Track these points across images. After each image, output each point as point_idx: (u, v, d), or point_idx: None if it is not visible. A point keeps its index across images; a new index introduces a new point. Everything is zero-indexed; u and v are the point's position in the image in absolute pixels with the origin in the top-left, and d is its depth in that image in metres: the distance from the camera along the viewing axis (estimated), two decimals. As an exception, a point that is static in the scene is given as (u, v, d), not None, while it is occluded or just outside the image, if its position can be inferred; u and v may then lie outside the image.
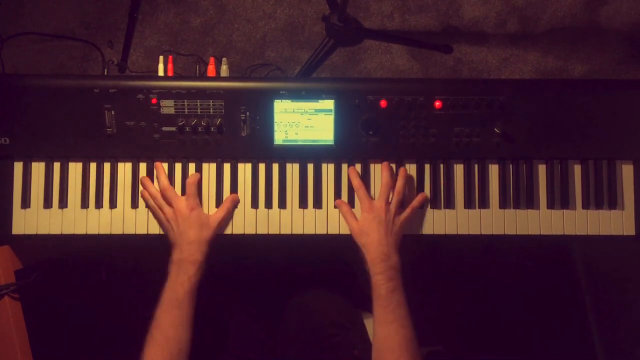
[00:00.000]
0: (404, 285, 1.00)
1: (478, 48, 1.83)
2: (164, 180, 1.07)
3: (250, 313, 1.21)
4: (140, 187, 1.09)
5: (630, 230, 1.11)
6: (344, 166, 1.11)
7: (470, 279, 1.74)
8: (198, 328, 1.16)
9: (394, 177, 1.08)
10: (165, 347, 0.93)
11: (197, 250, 1.01)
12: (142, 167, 1.10)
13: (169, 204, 1.05)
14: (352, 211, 1.08)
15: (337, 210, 1.10)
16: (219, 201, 1.10)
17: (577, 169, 1.12)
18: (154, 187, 1.08)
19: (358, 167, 1.11)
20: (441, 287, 1.74)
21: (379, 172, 1.11)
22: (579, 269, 1.72)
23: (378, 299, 0.98)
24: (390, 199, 1.06)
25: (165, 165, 1.10)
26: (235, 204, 1.09)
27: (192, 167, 1.10)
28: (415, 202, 1.08)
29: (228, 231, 1.10)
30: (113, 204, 1.09)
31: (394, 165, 1.11)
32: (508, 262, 1.74)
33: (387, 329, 0.96)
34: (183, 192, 1.09)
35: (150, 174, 1.10)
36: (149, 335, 0.94)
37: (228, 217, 1.09)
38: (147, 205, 1.09)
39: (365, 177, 1.11)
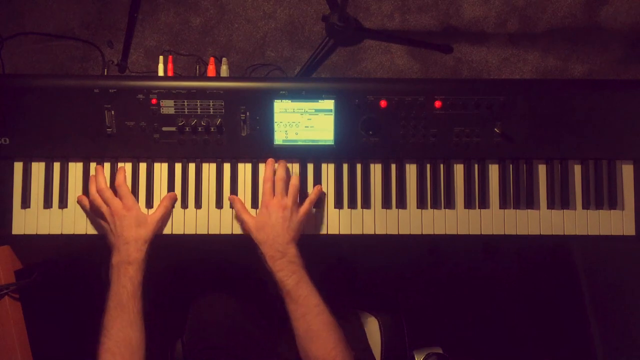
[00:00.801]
0: (309, 273, 0.99)
1: (478, 48, 1.83)
2: (102, 181, 1.06)
3: (250, 313, 1.21)
4: (144, 187, 1.09)
5: (630, 230, 1.11)
6: (344, 166, 1.11)
7: (470, 279, 1.74)
8: (198, 328, 1.17)
9: (288, 172, 1.08)
10: (117, 353, 0.92)
11: (135, 249, 1.00)
12: (142, 167, 1.10)
13: (107, 204, 1.05)
14: (245, 207, 1.08)
15: (337, 210, 1.10)
16: (219, 201, 1.10)
17: (577, 169, 1.12)
18: (93, 188, 1.06)
19: (358, 167, 1.11)
20: (441, 287, 1.74)
21: (379, 172, 1.11)
22: (579, 269, 1.72)
23: (287, 295, 0.98)
24: (287, 194, 1.06)
25: (165, 166, 1.10)
26: (173, 202, 1.09)
27: (192, 167, 1.11)
28: (313, 195, 1.08)
29: (228, 231, 1.10)
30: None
31: (393, 166, 1.11)
32: (508, 262, 1.74)
33: (303, 321, 0.96)
34: (184, 194, 1.09)
35: (150, 174, 1.10)
36: (99, 346, 0.93)
37: (167, 216, 1.08)
38: (83, 208, 1.08)
39: (365, 177, 1.11)
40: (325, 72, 1.79)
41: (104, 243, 1.06)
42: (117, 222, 1.03)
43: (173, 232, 1.09)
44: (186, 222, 1.10)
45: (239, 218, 1.08)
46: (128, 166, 1.10)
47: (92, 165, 1.10)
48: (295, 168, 1.11)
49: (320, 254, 1.41)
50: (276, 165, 1.09)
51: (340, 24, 1.66)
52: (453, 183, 1.11)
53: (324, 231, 1.10)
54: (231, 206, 1.10)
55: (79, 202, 1.09)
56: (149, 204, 1.09)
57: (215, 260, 1.52)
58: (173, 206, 1.10)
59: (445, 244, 1.05)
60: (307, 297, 0.97)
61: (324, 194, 1.10)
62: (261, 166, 1.11)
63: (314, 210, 1.09)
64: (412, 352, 1.18)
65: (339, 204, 1.10)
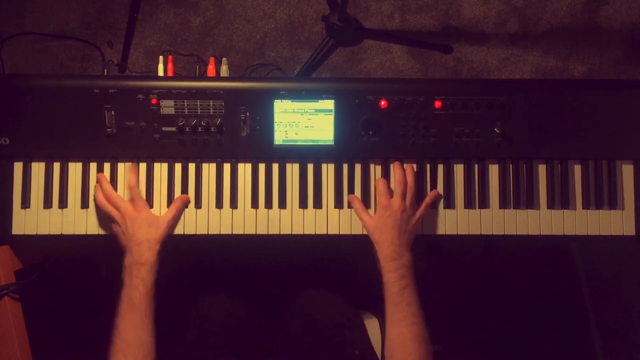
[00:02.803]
0: (416, 283, 0.99)
1: (478, 48, 1.83)
2: (107, 187, 1.06)
3: (251, 313, 1.21)
4: (143, 187, 1.09)
5: (630, 230, 1.11)
6: (344, 166, 1.11)
7: (470, 279, 1.74)
8: (198, 329, 1.17)
9: (405, 173, 1.08)
10: (129, 354, 0.92)
11: (146, 250, 1.00)
12: (142, 167, 1.10)
13: (117, 207, 1.05)
14: (364, 207, 1.08)
15: (337, 210, 1.10)
16: (219, 202, 1.10)
17: (577, 169, 1.12)
18: (101, 194, 1.06)
19: (358, 167, 1.11)
20: (441, 287, 1.74)
21: (379, 172, 1.11)
22: (579, 269, 1.72)
23: (390, 297, 0.98)
24: (405, 196, 1.05)
25: (165, 166, 1.10)
26: (185, 203, 1.09)
27: (192, 167, 1.10)
28: (429, 199, 1.08)
29: (228, 231, 1.10)
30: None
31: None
32: (508, 262, 1.74)
33: (398, 327, 0.96)
34: (185, 191, 1.09)
35: (150, 174, 1.10)
36: (111, 346, 0.94)
37: (178, 217, 1.08)
38: (97, 213, 1.08)
39: (365, 178, 1.11)
40: (325, 72, 1.79)
41: (105, 243, 1.06)
42: (129, 224, 1.03)
43: (173, 232, 1.09)
44: (186, 222, 1.10)
45: (358, 217, 1.08)
46: (128, 166, 1.10)
47: (92, 165, 1.10)
48: (295, 168, 1.11)
49: (321, 253, 1.41)
50: (392, 166, 1.09)
51: (340, 24, 1.66)
52: (453, 183, 1.11)
53: (324, 231, 1.10)
54: (347, 206, 1.09)
55: (96, 202, 1.08)
56: (149, 204, 1.09)
57: (215, 260, 1.53)
58: (185, 208, 1.09)
59: (445, 244, 1.05)
60: (408, 305, 0.97)
61: (441, 196, 1.10)
62: (261, 166, 1.11)
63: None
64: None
65: (339, 204, 1.10)
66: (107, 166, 1.10)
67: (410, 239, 1.04)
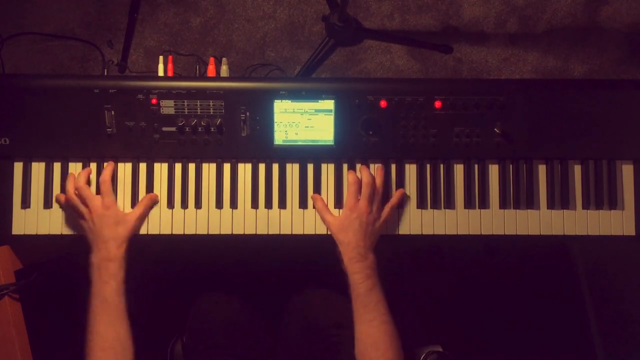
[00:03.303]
0: (382, 282, 1.00)
1: (478, 48, 1.83)
2: (81, 179, 1.05)
3: (250, 313, 1.21)
4: (144, 188, 1.09)
5: (630, 230, 1.11)
6: (344, 166, 1.11)
7: (470, 279, 1.74)
8: (198, 328, 1.17)
9: (373, 177, 1.08)
10: (108, 348, 0.92)
11: (114, 247, 1.00)
12: (142, 167, 1.10)
13: (84, 203, 1.04)
14: (327, 207, 1.08)
15: (337, 210, 1.10)
16: (219, 202, 1.10)
17: (577, 169, 1.12)
18: (71, 185, 1.05)
19: (358, 166, 1.11)
20: (441, 287, 1.74)
21: (379, 172, 1.11)
22: (579, 269, 1.72)
23: (357, 298, 0.98)
24: (371, 199, 1.05)
25: (165, 166, 1.10)
26: (153, 201, 1.09)
27: (192, 167, 1.10)
28: (395, 199, 1.08)
29: (228, 231, 1.10)
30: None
31: (393, 166, 1.11)
32: (508, 262, 1.74)
33: (368, 327, 0.96)
34: (184, 195, 1.09)
35: (150, 174, 1.10)
36: (87, 345, 0.93)
37: (145, 215, 1.08)
38: (62, 207, 1.08)
39: (365, 177, 1.11)
40: (325, 72, 1.79)
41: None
42: (96, 221, 1.02)
43: (173, 232, 1.09)
44: (186, 222, 1.10)
45: (320, 217, 1.08)
46: (128, 166, 1.10)
47: (92, 165, 1.10)
48: (295, 168, 1.11)
49: (321, 254, 1.41)
50: (358, 168, 1.09)
51: (340, 24, 1.66)
52: (453, 183, 1.11)
53: (324, 231, 1.10)
54: (314, 206, 1.09)
55: (57, 200, 1.08)
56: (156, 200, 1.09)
57: (215, 260, 1.52)
58: (152, 206, 1.09)
59: (445, 244, 1.05)
60: (376, 304, 0.97)
61: (407, 196, 1.10)
62: (261, 166, 1.11)
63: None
64: (412, 350, 1.18)
65: (338, 204, 1.10)
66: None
67: (374, 240, 1.04)
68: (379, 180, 1.07)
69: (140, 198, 1.09)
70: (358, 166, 1.11)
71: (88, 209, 1.03)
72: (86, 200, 1.03)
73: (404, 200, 1.10)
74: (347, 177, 1.09)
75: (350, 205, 1.05)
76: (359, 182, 1.07)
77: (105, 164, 1.08)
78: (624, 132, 1.10)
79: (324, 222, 1.08)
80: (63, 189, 1.09)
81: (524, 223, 1.11)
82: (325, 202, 1.10)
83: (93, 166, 1.10)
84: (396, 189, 1.10)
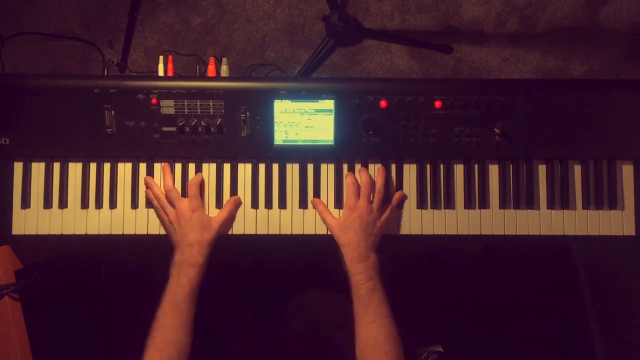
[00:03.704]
0: (384, 282, 1.00)
1: (478, 48, 1.83)
2: (169, 181, 1.07)
3: (251, 313, 1.21)
4: (144, 187, 1.09)
5: (630, 230, 1.11)
6: (344, 166, 1.11)
7: (470, 279, 1.74)
8: (198, 328, 1.17)
9: (371, 177, 1.08)
10: (165, 350, 0.93)
11: (198, 252, 1.01)
12: (142, 167, 1.10)
13: (172, 205, 1.05)
14: (327, 209, 1.08)
15: (337, 210, 1.10)
16: (219, 201, 1.10)
17: (577, 169, 1.12)
18: (159, 188, 1.08)
19: (358, 167, 1.11)
20: (441, 287, 1.74)
21: (380, 173, 1.11)
22: (579, 269, 1.72)
23: (358, 299, 0.98)
24: (371, 199, 1.06)
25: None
26: (237, 205, 1.09)
27: (192, 167, 1.10)
28: (394, 201, 1.08)
29: (228, 231, 1.10)
30: (113, 204, 1.09)
31: (393, 165, 1.11)
32: (508, 262, 1.74)
33: (369, 328, 0.96)
34: (184, 193, 1.09)
35: (150, 174, 1.10)
36: (149, 338, 0.94)
37: (230, 219, 1.09)
38: (152, 206, 1.09)
39: (365, 177, 1.10)
40: (325, 72, 1.79)
41: (103, 243, 1.05)
42: (182, 223, 1.03)
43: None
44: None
45: (322, 219, 1.08)
46: (128, 166, 1.10)
47: (92, 165, 1.10)
48: (295, 168, 1.11)
49: (321, 254, 1.41)
50: (357, 170, 1.09)
51: (340, 24, 1.66)
52: (453, 183, 1.11)
53: (324, 231, 1.10)
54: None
55: (148, 196, 1.08)
56: (149, 204, 1.09)
57: (215, 260, 1.52)
58: (237, 210, 1.09)
59: (445, 244, 1.05)
60: (378, 306, 0.97)
61: (406, 196, 1.10)
62: (261, 166, 1.11)
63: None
64: (413, 350, 1.18)
65: (338, 204, 1.10)
66: (107, 166, 1.10)
67: (376, 240, 1.04)
68: (379, 181, 1.07)
69: (140, 198, 1.09)
70: (357, 167, 1.11)
71: (175, 210, 1.04)
72: (174, 202, 1.05)
73: (403, 201, 1.10)
74: (345, 179, 1.09)
75: (350, 205, 1.05)
76: (357, 183, 1.07)
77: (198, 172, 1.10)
78: (624, 132, 1.10)
79: (325, 224, 1.08)
80: (63, 189, 1.09)
81: (524, 223, 1.11)
82: (325, 202, 1.10)
83: (93, 166, 1.10)
84: (396, 189, 1.10)
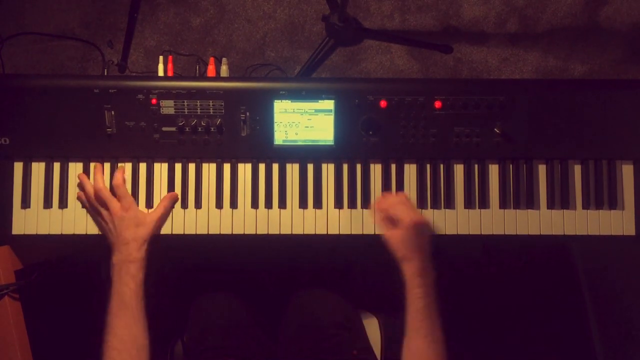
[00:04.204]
0: (439, 302, 0.99)
1: (478, 48, 1.83)
2: (99, 180, 1.06)
3: (250, 313, 1.21)
4: (77, 189, 1.09)
5: (630, 230, 1.11)
6: (344, 166, 1.11)
7: (470, 278, 1.74)
8: (199, 329, 1.17)
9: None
10: (124, 350, 0.93)
11: (134, 249, 1.00)
12: (142, 167, 1.10)
13: (104, 205, 1.05)
14: (387, 219, 1.05)
15: (337, 210, 1.10)
16: (219, 202, 1.10)
17: (577, 169, 1.12)
18: (90, 187, 1.06)
19: (358, 167, 1.11)
20: (441, 287, 1.73)
21: (379, 172, 1.11)
22: (579, 269, 1.72)
23: (416, 311, 0.97)
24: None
25: (165, 166, 1.10)
26: (173, 201, 1.09)
27: (192, 167, 1.10)
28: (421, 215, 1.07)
29: (228, 231, 1.10)
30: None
31: (393, 165, 1.11)
32: (508, 262, 1.74)
33: (422, 342, 0.95)
34: (184, 195, 1.09)
35: (150, 173, 1.10)
36: (104, 344, 0.93)
37: (165, 215, 1.08)
38: (83, 207, 1.09)
39: (365, 178, 1.11)
40: (325, 72, 1.79)
41: (104, 242, 1.06)
42: (117, 223, 1.03)
43: (173, 232, 1.09)
44: (186, 222, 1.10)
45: (380, 226, 1.06)
46: (128, 166, 1.10)
47: (92, 165, 1.10)
48: (295, 168, 1.11)
49: (321, 253, 1.41)
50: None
51: (340, 24, 1.66)
52: (453, 183, 1.11)
53: (324, 231, 1.10)
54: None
55: (79, 199, 1.09)
56: (149, 204, 1.09)
57: (216, 260, 1.53)
58: (173, 206, 1.10)
59: (445, 244, 1.05)
60: (433, 322, 0.96)
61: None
62: (261, 166, 1.11)
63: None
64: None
65: (339, 204, 1.10)
66: (107, 166, 1.10)
67: (430, 250, 1.02)
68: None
69: (140, 198, 1.09)
70: (359, 168, 1.10)
71: (109, 211, 1.04)
72: (106, 203, 1.04)
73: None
74: (397, 195, 1.08)
75: (414, 219, 1.01)
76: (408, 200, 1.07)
77: (117, 169, 1.09)
78: (624, 132, 1.10)
79: (385, 233, 1.04)
80: (63, 189, 1.09)
81: (524, 223, 1.11)
82: (325, 202, 1.10)
83: (93, 166, 1.09)
84: (396, 189, 1.10)
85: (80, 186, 1.09)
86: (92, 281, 1.56)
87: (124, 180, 1.08)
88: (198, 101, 1.08)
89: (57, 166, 1.10)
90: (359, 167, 1.11)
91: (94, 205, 1.06)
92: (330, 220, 1.10)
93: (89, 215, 1.09)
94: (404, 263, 1.00)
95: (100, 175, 1.07)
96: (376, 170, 1.11)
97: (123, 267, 0.99)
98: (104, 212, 1.04)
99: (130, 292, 0.97)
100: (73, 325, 1.47)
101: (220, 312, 1.18)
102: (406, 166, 1.12)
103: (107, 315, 0.96)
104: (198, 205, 1.10)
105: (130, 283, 0.98)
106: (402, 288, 1.00)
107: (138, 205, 1.08)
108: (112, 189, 1.07)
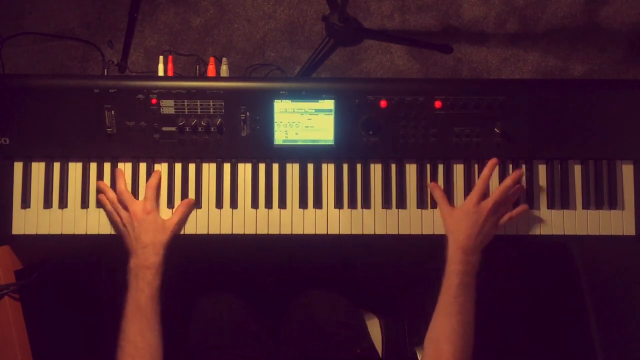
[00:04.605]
0: (476, 287, 0.98)
1: (478, 48, 1.83)
2: (121, 184, 1.07)
3: (251, 313, 1.21)
4: (146, 189, 1.09)
5: (630, 230, 1.11)
6: (344, 166, 1.11)
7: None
8: (199, 329, 1.17)
9: (512, 183, 1.06)
10: (137, 357, 0.93)
11: (152, 254, 1.00)
12: (142, 167, 1.10)
13: (125, 207, 1.05)
14: (445, 197, 1.08)
15: (337, 210, 1.10)
16: (219, 202, 1.10)
17: (577, 169, 1.12)
18: (112, 192, 1.07)
19: (358, 167, 1.11)
20: (441, 287, 1.73)
21: (379, 172, 1.11)
22: (579, 269, 1.72)
23: (450, 288, 0.97)
24: (496, 199, 1.04)
25: (165, 166, 1.10)
26: (190, 207, 1.09)
27: (192, 167, 1.11)
28: (515, 212, 1.07)
29: (228, 231, 1.10)
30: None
31: (393, 165, 1.12)
32: (508, 262, 1.74)
33: (451, 319, 0.94)
34: (184, 195, 1.09)
35: (149, 174, 1.10)
36: (118, 349, 0.94)
37: (184, 221, 1.08)
38: (105, 210, 1.08)
39: (365, 178, 1.11)
40: (325, 72, 1.79)
41: (103, 243, 1.06)
42: (136, 225, 1.03)
43: (180, 233, 1.09)
44: (186, 222, 1.10)
45: (438, 205, 1.08)
46: (128, 166, 1.10)
47: (92, 165, 1.10)
48: (295, 168, 1.11)
49: (321, 253, 1.41)
50: (511, 169, 1.09)
51: (340, 24, 1.66)
52: (453, 183, 1.11)
53: (324, 231, 1.10)
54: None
55: (101, 200, 1.08)
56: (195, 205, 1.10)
57: (216, 260, 1.52)
58: (190, 211, 1.09)
59: (446, 243, 1.05)
60: (466, 302, 0.96)
61: (527, 210, 1.09)
62: (261, 166, 1.11)
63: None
64: (413, 349, 1.18)
65: (339, 204, 1.10)
66: (107, 166, 1.10)
67: (485, 242, 1.03)
68: (509, 181, 1.05)
69: (140, 198, 1.09)
70: (359, 167, 1.11)
71: (129, 213, 1.04)
72: (127, 205, 1.04)
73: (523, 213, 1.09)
74: (483, 173, 1.06)
75: (474, 201, 1.04)
76: (485, 188, 1.06)
77: (154, 172, 1.09)
78: (624, 132, 1.10)
79: (440, 210, 1.07)
80: (63, 189, 1.09)
81: (524, 223, 1.11)
82: (325, 202, 1.10)
83: (93, 166, 1.10)
84: (396, 189, 1.10)
85: (99, 190, 1.08)
86: (92, 281, 1.56)
87: (157, 185, 1.08)
88: (198, 101, 1.08)
89: (57, 166, 1.10)
90: (359, 167, 1.11)
91: (116, 207, 1.06)
92: (330, 220, 1.10)
93: (89, 215, 1.09)
94: (450, 236, 1.01)
95: (123, 180, 1.08)
96: (376, 170, 1.11)
97: (139, 272, 0.99)
98: (124, 214, 1.04)
99: (146, 298, 0.97)
100: (73, 325, 1.47)
101: (221, 312, 1.18)
102: (406, 166, 1.12)
103: (122, 321, 0.96)
104: (198, 205, 1.10)
105: (146, 289, 0.97)
106: (442, 264, 1.00)
107: (158, 210, 1.08)
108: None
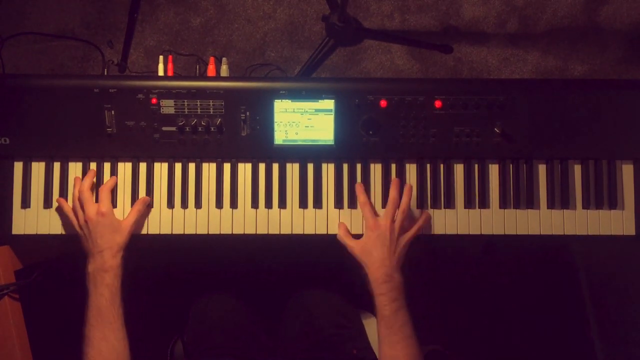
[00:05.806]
0: (408, 304, 0.98)
1: (478, 48, 1.83)
2: (85, 182, 1.04)
3: (250, 313, 1.21)
4: (145, 190, 1.09)
5: (630, 230, 1.11)
6: (344, 166, 1.11)
7: (470, 278, 1.74)
8: (199, 328, 1.17)
9: (400, 193, 1.06)
10: None
11: (110, 257, 0.98)
12: (142, 167, 1.10)
13: (82, 208, 1.03)
14: (348, 232, 1.07)
15: (337, 210, 1.10)
16: (219, 201, 1.10)
17: (577, 169, 1.12)
18: (76, 189, 1.05)
19: (358, 167, 1.11)
20: (441, 287, 1.74)
21: (379, 172, 1.11)
22: (579, 269, 1.72)
23: (382, 320, 0.96)
24: (395, 217, 1.03)
25: (165, 166, 1.10)
26: (145, 205, 1.08)
27: (192, 167, 1.10)
28: (421, 221, 1.06)
29: (228, 231, 1.10)
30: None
31: (393, 165, 1.11)
32: (508, 262, 1.74)
33: (393, 349, 0.95)
34: (185, 195, 1.09)
35: (150, 173, 1.10)
36: (83, 356, 0.93)
37: (140, 219, 1.07)
38: (63, 210, 1.06)
39: (365, 177, 1.11)
40: (325, 72, 1.79)
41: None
42: (91, 228, 1.01)
43: (173, 232, 1.09)
44: (186, 222, 1.10)
45: (343, 244, 1.06)
46: (128, 166, 1.10)
47: (92, 165, 1.10)
48: (295, 168, 1.11)
49: (321, 253, 1.41)
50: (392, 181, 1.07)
51: (340, 24, 1.66)
52: (453, 183, 1.11)
53: (324, 231, 1.10)
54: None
55: (58, 202, 1.07)
56: (149, 204, 1.09)
57: (216, 260, 1.53)
58: (146, 210, 1.08)
59: (445, 244, 1.05)
60: (403, 326, 0.96)
61: (430, 217, 1.09)
62: (261, 166, 1.11)
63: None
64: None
65: (339, 204, 1.10)
66: (107, 166, 1.10)
67: (400, 260, 1.01)
68: (405, 200, 1.04)
69: (140, 198, 1.09)
70: (358, 167, 1.10)
71: (85, 213, 1.02)
72: (84, 205, 1.02)
73: (429, 220, 1.09)
74: (358, 197, 1.07)
75: (370, 225, 1.02)
76: (370, 203, 1.06)
77: (110, 177, 1.08)
78: (624, 132, 1.10)
79: (347, 248, 1.05)
80: (63, 189, 1.09)
81: (524, 223, 1.11)
82: (326, 202, 1.10)
83: (93, 165, 1.10)
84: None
85: (74, 185, 1.07)
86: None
87: (111, 188, 1.06)
88: (198, 101, 1.08)
89: (57, 166, 1.10)
90: (359, 167, 1.11)
91: (75, 206, 1.04)
92: (330, 220, 1.10)
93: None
94: (367, 270, 1.00)
95: (90, 178, 1.06)
96: (376, 170, 1.11)
97: (98, 276, 0.97)
98: (81, 215, 1.02)
99: (106, 302, 0.95)
100: (73, 325, 1.47)
101: (220, 312, 1.18)
102: (406, 166, 1.12)
103: (85, 327, 0.95)
104: (198, 205, 1.10)
105: (105, 293, 0.96)
106: (370, 296, 0.99)
107: (113, 211, 1.06)
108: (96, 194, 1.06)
